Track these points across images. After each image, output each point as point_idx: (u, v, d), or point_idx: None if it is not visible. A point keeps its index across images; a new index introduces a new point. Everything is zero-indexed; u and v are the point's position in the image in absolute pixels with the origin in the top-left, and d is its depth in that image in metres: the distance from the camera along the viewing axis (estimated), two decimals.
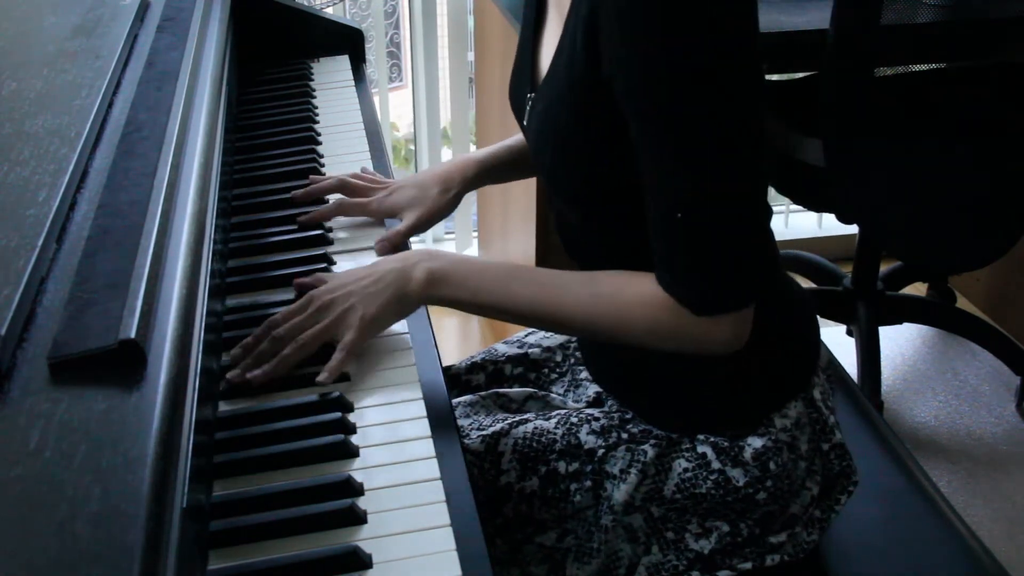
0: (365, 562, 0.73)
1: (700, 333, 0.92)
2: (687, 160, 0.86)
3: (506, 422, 1.06)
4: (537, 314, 0.97)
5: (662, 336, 0.94)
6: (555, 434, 1.04)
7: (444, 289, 0.97)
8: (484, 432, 1.04)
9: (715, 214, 0.88)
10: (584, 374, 1.18)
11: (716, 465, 1.01)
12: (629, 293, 0.94)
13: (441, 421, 0.89)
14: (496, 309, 0.98)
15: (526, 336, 1.26)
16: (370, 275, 0.98)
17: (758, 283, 0.93)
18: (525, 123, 1.05)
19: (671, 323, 0.92)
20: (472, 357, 1.24)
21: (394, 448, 0.85)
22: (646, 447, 1.02)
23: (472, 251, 2.80)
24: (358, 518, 0.77)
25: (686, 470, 1.01)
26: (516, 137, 1.24)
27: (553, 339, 1.24)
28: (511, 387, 1.18)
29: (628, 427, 1.04)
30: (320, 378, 0.92)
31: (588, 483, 1.01)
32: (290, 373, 0.93)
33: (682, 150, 0.86)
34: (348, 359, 0.94)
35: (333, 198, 1.20)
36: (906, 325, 2.44)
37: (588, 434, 1.04)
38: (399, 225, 1.17)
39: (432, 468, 0.82)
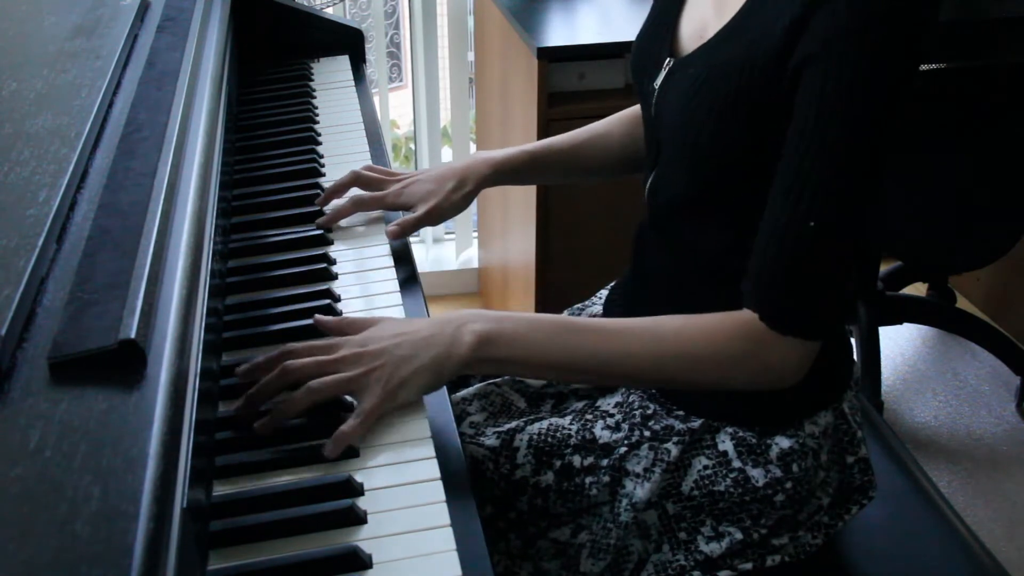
0: (365, 562, 0.73)
1: (770, 356, 0.91)
2: (846, 177, 0.86)
3: (521, 419, 1.07)
4: (599, 365, 0.92)
5: (730, 362, 0.91)
6: (570, 430, 1.05)
7: (495, 350, 0.90)
8: (499, 429, 1.05)
9: (844, 238, 0.88)
10: None
11: (736, 464, 1.01)
12: (693, 326, 0.92)
13: (442, 421, 0.89)
14: (553, 366, 0.93)
15: None
16: (411, 333, 0.89)
17: (839, 319, 0.92)
18: (656, 85, 1.02)
19: (742, 347, 0.91)
20: None
21: (394, 448, 0.85)
22: (669, 445, 1.02)
23: (472, 251, 2.81)
24: (358, 518, 0.77)
25: (706, 467, 1.02)
26: (536, 143, 1.24)
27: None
28: None
29: (650, 424, 1.04)
30: (327, 451, 0.83)
31: (606, 478, 1.02)
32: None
33: (843, 167, 0.86)
34: (362, 429, 0.85)
35: (349, 193, 1.20)
36: (906, 325, 2.44)
37: (603, 429, 1.05)
38: (411, 215, 1.16)
39: (432, 468, 0.82)
